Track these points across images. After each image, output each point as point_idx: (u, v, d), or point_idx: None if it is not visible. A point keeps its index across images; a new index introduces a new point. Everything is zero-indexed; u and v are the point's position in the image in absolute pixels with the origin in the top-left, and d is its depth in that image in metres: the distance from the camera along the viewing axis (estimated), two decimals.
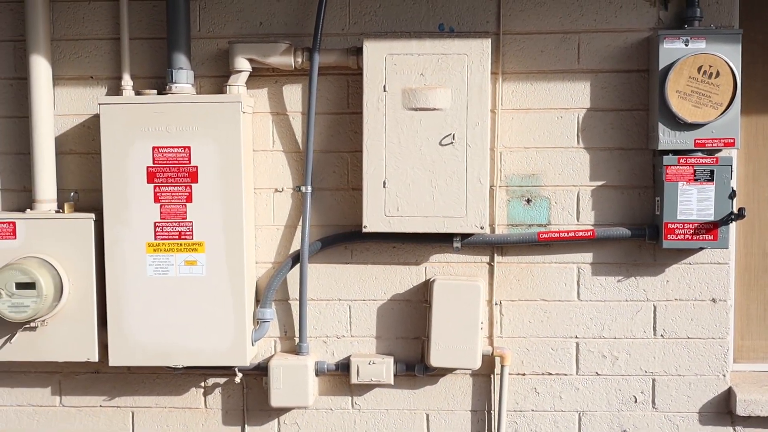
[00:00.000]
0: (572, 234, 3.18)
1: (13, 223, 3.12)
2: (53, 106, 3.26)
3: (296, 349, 3.26)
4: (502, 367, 3.22)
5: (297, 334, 3.27)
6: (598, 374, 3.27)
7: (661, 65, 3.02)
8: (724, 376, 3.24)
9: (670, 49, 3.02)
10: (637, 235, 3.16)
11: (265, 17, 3.24)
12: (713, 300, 3.21)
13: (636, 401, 3.27)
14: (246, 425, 3.36)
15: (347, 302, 3.30)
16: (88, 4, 3.27)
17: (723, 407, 3.25)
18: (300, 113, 3.26)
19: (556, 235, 3.18)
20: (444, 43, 3.04)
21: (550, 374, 3.28)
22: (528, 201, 3.24)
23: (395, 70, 3.05)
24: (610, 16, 3.16)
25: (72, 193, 3.26)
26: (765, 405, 3.18)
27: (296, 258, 3.23)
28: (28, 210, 3.20)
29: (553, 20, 3.18)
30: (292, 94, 3.26)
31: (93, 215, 3.12)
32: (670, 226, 3.07)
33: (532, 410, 3.30)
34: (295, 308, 3.29)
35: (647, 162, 3.19)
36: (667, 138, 3.05)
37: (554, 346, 3.27)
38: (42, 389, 3.40)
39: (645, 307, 3.24)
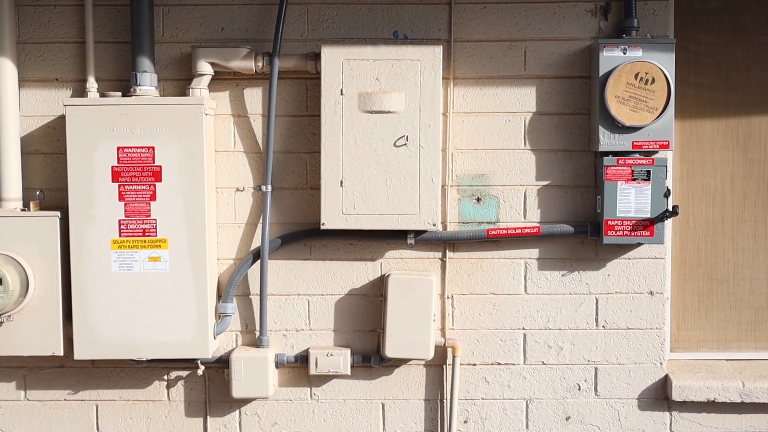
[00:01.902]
0: (519, 231, 3.34)
1: None
2: (19, 107, 3.32)
3: (257, 342, 3.37)
4: (454, 357, 3.37)
5: (257, 327, 3.39)
6: (544, 364, 3.44)
7: (601, 72, 3.21)
8: (661, 364, 3.43)
9: (610, 57, 3.21)
10: (580, 232, 3.34)
11: (226, 23, 3.35)
12: (651, 293, 3.41)
13: (579, 389, 3.45)
14: (208, 416, 3.47)
15: (306, 297, 3.42)
16: (54, 8, 3.35)
17: (660, 393, 3.44)
18: (260, 115, 3.38)
19: (504, 231, 3.34)
20: (398, 49, 3.19)
21: (499, 364, 3.44)
22: (478, 200, 3.40)
23: (352, 74, 3.19)
24: (555, 26, 3.34)
25: (37, 192, 3.33)
26: (699, 391, 3.37)
27: (257, 254, 3.35)
28: None
29: (501, 29, 3.35)
30: (253, 97, 3.37)
31: (58, 213, 3.19)
32: (610, 223, 3.25)
33: (482, 398, 3.45)
34: (256, 303, 3.41)
35: (589, 163, 3.38)
36: (607, 140, 3.23)
37: (503, 338, 3.43)
38: (6, 384, 3.46)
39: (587, 299, 3.42)
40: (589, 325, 3.42)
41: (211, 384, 3.46)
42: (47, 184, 3.38)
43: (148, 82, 3.24)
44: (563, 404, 3.45)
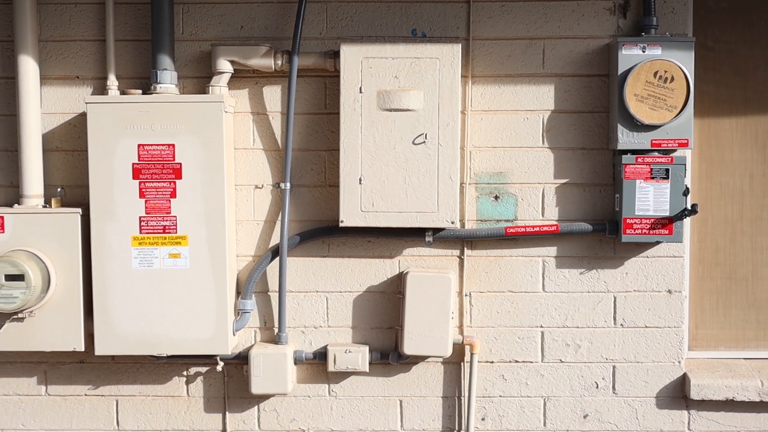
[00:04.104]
0: (537, 229, 3.35)
1: (2, 218, 3.21)
2: (40, 104, 3.35)
3: (275, 339, 3.39)
4: (472, 355, 3.38)
5: (276, 324, 3.41)
6: (561, 361, 3.45)
7: (620, 70, 3.21)
8: (679, 362, 3.43)
9: (629, 55, 3.21)
10: (598, 230, 3.34)
11: (246, 21, 3.37)
12: (669, 291, 3.40)
13: (597, 387, 3.45)
14: (227, 412, 3.49)
15: (324, 294, 3.44)
16: (75, 6, 3.38)
17: (678, 392, 3.44)
18: (279, 113, 3.39)
19: (523, 229, 3.35)
20: (417, 47, 3.20)
21: (516, 362, 3.45)
22: (496, 197, 3.40)
23: (371, 72, 3.20)
24: (573, 24, 3.34)
25: (58, 189, 3.37)
26: (717, 389, 3.37)
27: (276, 251, 3.36)
28: (16, 205, 3.30)
29: (519, 27, 3.35)
30: (272, 95, 3.39)
31: (80, 210, 3.22)
32: (628, 221, 3.25)
33: (500, 396, 3.46)
34: (275, 300, 3.43)
35: (607, 161, 3.38)
36: (626, 138, 3.23)
37: (521, 335, 3.44)
38: (28, 379, 3.49)
39: (606, 298, 3.42)
40: (607, 324, 3.42)
41: (229, 380, 3.48)
42: (68, 181, 3.41)
43: (168, 80, 3.26)
44: (581, 402, 3.45)
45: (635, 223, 3.25)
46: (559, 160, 3.37)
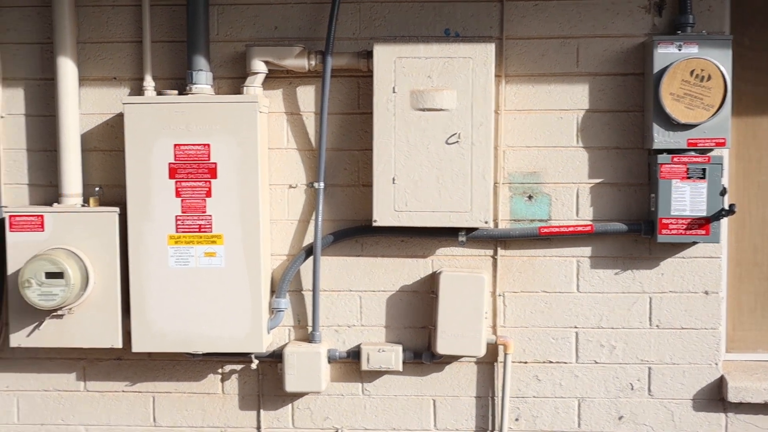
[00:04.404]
0: (572, 229, 3.33)
1: (42, 216, 3.27)
2: (79, 105, 3.41)
3: (309, 338, 3.41)
4: (505, 355, 3.37)
5: (310, 323, 3.43)
6: (596, 362, 3.42)
7: (656, 69, 3.18)
8: (716, 364, 3.39)
9: (664, 53, 3.18)
10: (633, 230, 3.31)
11: (280, 22, 3.40)
12: (706, 292, 3.36)
13: (632, 388, 3.42)
14: (261, 410, 3.52)
15: (358, 293, 3.45)
16: (112, 8, 3.43)
17: (715, 394, 3.39)
18: (313, 113, 3.41)
19: (557, 229, 3.33)
20: (450, 46, 3.19)
21: (550, 362, 3.44)
22: (530, 197, 3.39)
23: (404, 72, 3.20)
24: (608, 22, 3.32)
25: (96, 188, 3.42)
26: (755, 392, 3.32)
27: (309, 251, 3.39)
28: (55, 204, 3.36)
29: (553, 26, 3.34)
30: (306, 95, 3.41)
31: (117, 209, 3.27)
32: (664, 221, 3.22)
33: (534, 396, 3.45)
34: (309, 299, 3.45)
35: (642, 160, 3.35)
36: (662, 138, 3.20)
37: (555, 336, 3.42)
38: (67, 375, 3.55)
39: (641, 298, 3.39)
40: (642, 325, 3.39)
41: (264, 378, 3.51)
42: (106, 180, 3.46)
43: (203, 80, 3.29)
44: (616, 404, 3.43)
45: (671, 223, 3.22)
46: (593, 160, 3.35)
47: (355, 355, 3.42)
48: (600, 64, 3.32)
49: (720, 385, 3.38)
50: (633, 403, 3.43)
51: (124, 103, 3.21)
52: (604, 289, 3.39)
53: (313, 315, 3.39)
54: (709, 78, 3.15)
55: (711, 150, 3.22)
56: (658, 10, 3.30)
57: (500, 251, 3.40)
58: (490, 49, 3.17)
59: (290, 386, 3.34)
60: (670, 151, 3.21)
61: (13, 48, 3.45)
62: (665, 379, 3.40)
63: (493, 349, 3.41)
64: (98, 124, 3.46)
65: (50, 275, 3.15)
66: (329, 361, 3.42)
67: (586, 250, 3.39)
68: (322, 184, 3.35)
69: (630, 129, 3.33)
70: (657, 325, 3.39)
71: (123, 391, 3.55)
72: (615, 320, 3.40)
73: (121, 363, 3.54)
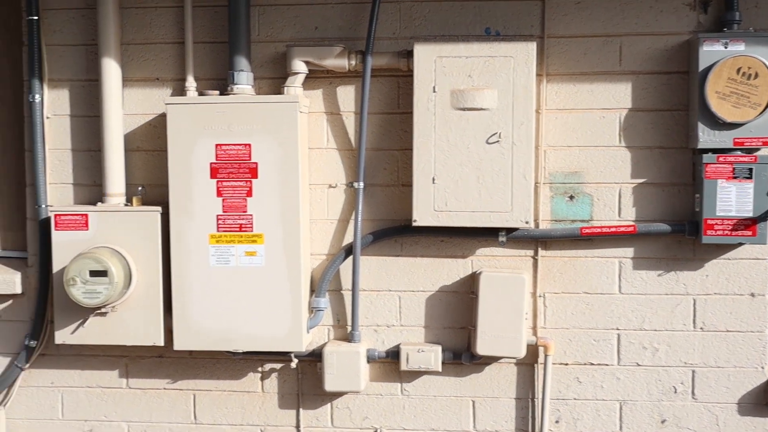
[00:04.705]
0: (614, 229, 3.29)
1: (86, 216, 3.32)
2: (122, 106, 3.45)
3: (348, 337, 3.42)
4: (546, 356, 3.34)
5: (349, 322, 3.43)
6: (638, 365, 3.38)
7: (701, 67, 3.13)
8: (762, 368, 3.32)
9: (710, 51, 3.12)
10: (677, 231, 3.26)
11: (320, 22, 3.41)
12: (752, 294, 3.30)
13: (676, 392, 3.37)
14: (301, 409, 3.53)
15: (397, 293, 3.45)
16: (155, 10, 3.47)
17: (762, 398, 3.33)
18: (353, 113, 3.42)
19: (599, 230, 3.30)
20: (491, 45, 3.18)
21: (592, 364, 3.40)
22: (571, 197, 3.36)
23: (444, 71, 3.19)
24: (651, 20, 3.27)
25: (139, 188, 3.46)
26: None
27: (349, 250, 3.39)
28: (99, 203, 3.41)
29: (595, 24, 3.30)
30: (346, 95, 3.42)
31: (160, 208, 3.31)
32: (709, 222, 3.17)
33: (575, 399, 3.41)
34: (348, 298, 3.45)
35: (687, 160, 3.30)
36: (707, 137, 3.15)
37: (596, 337, 3.38)
38: (110, 372, 3.60)
39: (685, 300, 3.34)
40: (686, 327, 3.34)
41: (303, 377, 3.52)
42: (149, 180, 3.50)
43: (244, 80, 3.32)
44: (658, 407, 3.38)
45: (716, 224, 3.16)
46: (636, 160, 3.31)
47: (394, 355, 3.42)
48: (643, 62, 3.28)
49: (766, 389, 3.31)
50: (676, 406, 3.38)
51: (166, 104, 3.24)
52: (647, 291, 3.35)
53: (352, 314, 3.40)
54: (756, 76, 3.09)
55: (758, 149, 3.17)
56: (703, 7, 3.25)
57: (541, 252, 3.37)
58: (532, 47, 3.15)
59: (329, 385, 3.35)
60: (715, 151, 3.16)
61: (59, 50, 3.50)
62: (709, 383, 3.34)
63: (533, 351, 3.38)
64: (141, 125, 3.50)
65: (94, 273, 3.19)
66: (368, 361, 3.42)
67: (629, 251, 3.34)
68: (361, 184, 3.35)
69: (674, 128, 3.28)
70: (701, 328, 3.33)
71: (164, 389, 3.59)
72: (658, 322, 3.35)
73: (162, 361, 3.58)
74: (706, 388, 3.35)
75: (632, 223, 3.30)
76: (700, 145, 3.15)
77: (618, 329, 3.37)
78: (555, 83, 3.32)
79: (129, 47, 3.48)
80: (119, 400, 3.61)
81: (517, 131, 3.17)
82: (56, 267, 3.34)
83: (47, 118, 3.53)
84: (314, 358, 3.44)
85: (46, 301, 3.53)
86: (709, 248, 3.30)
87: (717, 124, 3.13)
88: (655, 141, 3.30)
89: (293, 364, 3.42)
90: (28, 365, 3.59)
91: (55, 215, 3.33)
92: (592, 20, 3.30)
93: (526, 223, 3.20)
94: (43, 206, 3.50)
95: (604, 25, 3.29)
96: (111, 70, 3.40)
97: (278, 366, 3.53)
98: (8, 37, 3.66)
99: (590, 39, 3.30)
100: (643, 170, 3.31)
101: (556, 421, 3.42)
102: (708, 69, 3.12)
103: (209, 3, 3.42)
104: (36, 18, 3.45)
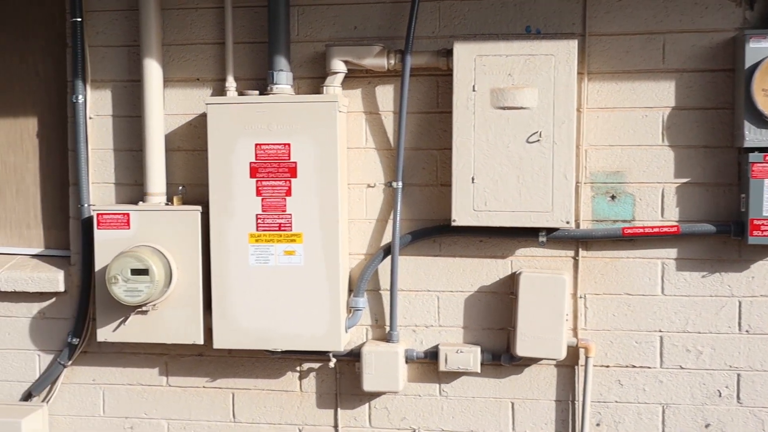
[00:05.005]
0: (657, 230, 3.23)
1: (128, 215, 3.36)
2: (163, 106, 3.49)
3: (387, 337, 3.41)
4: (587, 358, 3.30)
5: (387, 322, 3.42)
6: (682, 368, 3.32)
7: (747, 64, 3.06)
8: None
9: (756, 48, 3.06)
10: (722, 231, 3.20)
11: (359, 21, 3.40)
12: None
13: (720, 395, 3.31)
14: (339, 408, 3.53)
15: (436, 293, 3.43)
16: (196, 11, 3.49)
17: None
18: (392, 112, 3.41)
19: (641, 230, 3.25)
20: (531, 44, 3.15)
21: (633, 367, 3.35)
22: (612, 197, 3.31)
23: (484, 70, 3.17)
24: (696, 17, 3.22)
25: (180, 187, 3.49)
26: None
27: (387, 250, 3.38)
28: (140, 202, 3.44)
29: (638, 21, 3.25)
30: (385, 95, 3.41)
31: (200, 208, 3.33)
32: (755, 222, 3.10)
33: (616, 402, 3.36)
34: (386, 298, 3.44)
35: (732, 159, 3.23)
36: (753, 136, 3.09)
37: (638, 340, 3.33)
38: (150, 369, 3.64)
39: (729, 302, 3.27)
40: (731, 329, 3.27)
41: (341, 377, 3.52)
42: (189, 179, 3.53)
43: (284, 80, 3.32)
44: (702, 411, 3.32)
45: (763, 224, 3.09)
46: (679, 159, 3.25)
47: (432, 355, 3.40)
48: (687, 59, 3.22)
49: None
50: (720, 410, 3.31)
51: (207, 104, 3.26)
52: (691, 292, 3.29)
53: (390, 314, 3.39)
54: None
55: None
56: (749, 3, 3.18)
57: (582, 252, 3.33)
58: (573, 46, 3.11)
59: (368, 385, 3.35)
60: (762, 150, 3.09)
61: (101, 51, 3.55)
62: (755, 387, 3.27)
63: (573, 352, 3.34)
64: (181, 125, 3.53)
65: (135, 272, 3.22)
66: (407, 361, 3.41)
67: (672, 252, 3.29)
68: (400, 184, 3.34)
69: (719, 127, 3.22)
70: (747, 331, 3.26)
71: (204, 387, 3.61)
72: (702, 324, 3.29)
73: (202, 359, 3.60)
74: (751, 392, 3.28)
75: (675, 224, 3.25)
76: (746, 144, 3.09)
77: (661, 331, 3.31)
78: (596, 82, 3.28)
79: (170, 48, 3.51)
80: (159, 398, 3.64)
81: (558, 130, 3.14)
82: (98, 265, 3.38)
83: (90, 118, 3.58)
84: (352, 357, 3.44)
85: (88, 299, 3.57)
86: (755, 249, 3.23)
87: (764, 122, 3.07)
88: (699, 140, 3.24)
89: (332, 364, 3.42)
90: (70, 362, 3.65)
91: (98, 214, 3.37)
92: (634, 18, 3.25)
93: (567, 223, 3.16)
94: (86, 205, 3.54)
95: (646, 22, 3.24)
96: (152, 71, 3.43)
97: (316, 365, 3.53)
98: (52, 39, 3.72)
99: (632, 37, 3.26)
100: (686, 170, 3.25)
101: (597, 424, 3.38)
102: (754, 66, 3.05)
103: (249, 3, 3.44)
104: (80, 20, 3.50)
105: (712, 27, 3.21)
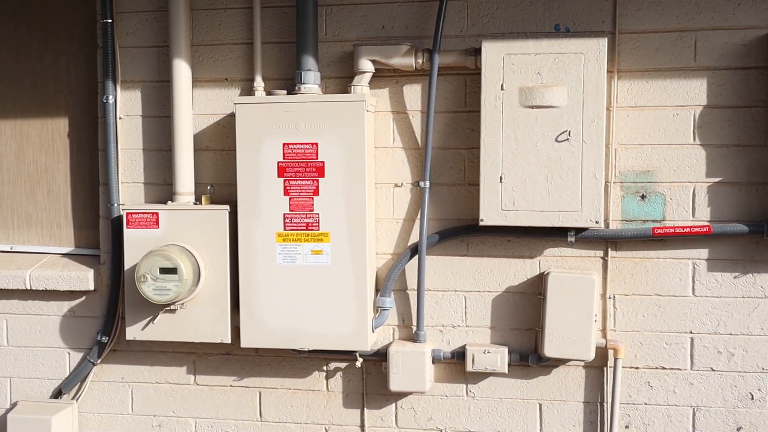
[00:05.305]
0: (687, 230, 3.19)
1: (156, 214, 3.38)
2: (192, 106, 3.51)
3: (413, 337, 3.40)
4: (616, 359, 3.26)
5: (414, 322, 3.41)
6: (713, 370, 3.27)
7: None
8: None
9: None
10: (755, 232, 3.15)
11: (387, 21, 3.40)
12: None
13: (752, 398, 3.26)
14: (365, 408, 3.53)
15: (463, 293, 3.41)
16: (224, 11, 3.51)
17: None
18: (419, 112, 3.40)
19: (672, 230, 3.21)
20: (560, 42, 3.12)
21: (663, 368, 3.31)
22: (642, 197, 3.28)
23: (512, 69, 3.15)
24: (728, 14, 3.17)
25: (208, 187, 3.51)
26: None
27: (414, 250, 3.37)
28: (169, 202, 3.46)
29: (669, 19, 3.22)
30: (412, 94, 3.40)
31: (228, 207, 3.34)
32: None
33: (645, 404, 3.33)
34: (413, 298, 3.43)
35: (765, 158, 3.18)
36: None
37: (668, 341, 3.29)
38: (178, 368, 3.66)
39: (762, 304, 3.22)
40: (764, 331, 3.22)
41: (368, 376, 3.51)
42: (217, 179, 3.54)
43: (312, 80, 3.33)
44: (734, 414, 3.27)
45: None
46: (711, 158, 3.21)
47: (459, 355, 3.38)
48: (719, 57, 3.18)
49: None
50: (753, 414, 3.26)
51: (235, 104, 3.27)
52: (722, 293, 3.24)
53: (417, 314, 3.38)
54: None
55: None
56: None
57: (611, 252, 3.29)
58: (603, 44, 3.09)
59: (395, 385, 3.34)
60: None
61: (131, 52, 3.58)
62: None
63: (602, 353, 3.31)
64: (210, 125, 3.55)
65: (164, 271, 3.24)
66: (433, 362, 3.39)
67: (703, 252, 3.24)
68: (427, 183, 3.33)
69: (752, 125, 3.18)
70: None
71: (231, 386, 3.62)
72: (734, 326, 3.24)
73: (229, 358, 3.61)
74: None
75: (707, 224, 3.20)
76: None
77: (691, 333, 3.27)
78: (626, 80, 3.25)
79: (199, 48, 3.53)
80: (187, 396, 3.66)
81: (587, 129, 3.11)
82: (127, 264, 3.41)
83: (120, 118, 3.61)
84: (379, 357, 3.43)
85: (117, 297, 3.60)
86: None
87: None
88: (731, 138, 3.19)
89: (358, 364, 3.41)
90: (99, 360, 3.68)
91: (127, 213, 3.39)
92: (665, 15, 3.21)
93: (596, 222, 3.13)
94: (116, 205, 3.58)
95: (678, 19, 3.21)
96: (182, 71, 3.45)
97: (343, 365, 3.53)
98: (84, 41, 3.76)
99: (663, 34, 3.22)
100: (718, 169, 3.21)
101: (626, 426, 3.34)
102: None
103: (277, 3, 3.45)
104: (110, 21, 3.53)
105: (744, 24, 3.17)
